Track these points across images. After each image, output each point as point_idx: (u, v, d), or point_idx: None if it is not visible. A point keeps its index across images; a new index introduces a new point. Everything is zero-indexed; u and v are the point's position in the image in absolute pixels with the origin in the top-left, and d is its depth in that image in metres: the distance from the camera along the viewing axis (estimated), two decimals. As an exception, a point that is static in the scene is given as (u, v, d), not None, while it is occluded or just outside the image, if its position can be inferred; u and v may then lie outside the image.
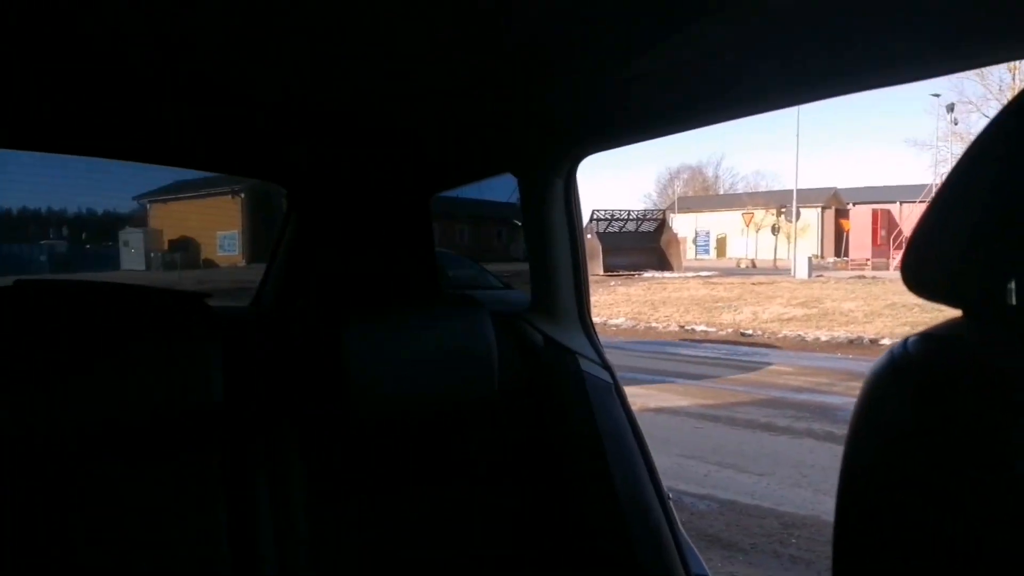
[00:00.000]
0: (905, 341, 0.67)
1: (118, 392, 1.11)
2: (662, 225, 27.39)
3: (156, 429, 1.16)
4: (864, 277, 21.18)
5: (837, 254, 33.78)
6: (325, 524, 1.25)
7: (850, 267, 27.14)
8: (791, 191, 31.10)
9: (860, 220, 29.91)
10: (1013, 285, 0.66)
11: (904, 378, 0.66)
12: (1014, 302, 0.66)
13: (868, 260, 27.06)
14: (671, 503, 1.43)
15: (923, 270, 0.70)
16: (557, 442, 1.43)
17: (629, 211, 27.30)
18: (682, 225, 36.79)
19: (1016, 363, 0.62)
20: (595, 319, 1.57)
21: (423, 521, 1.35)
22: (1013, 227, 0.64)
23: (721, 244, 39.83)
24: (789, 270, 24.29)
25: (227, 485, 1.19)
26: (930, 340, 0.67)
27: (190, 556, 1.15)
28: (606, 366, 1.50)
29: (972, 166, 0.66)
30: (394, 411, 1.31)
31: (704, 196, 48.81)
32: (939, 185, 0.71)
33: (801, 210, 31.43)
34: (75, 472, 1.11)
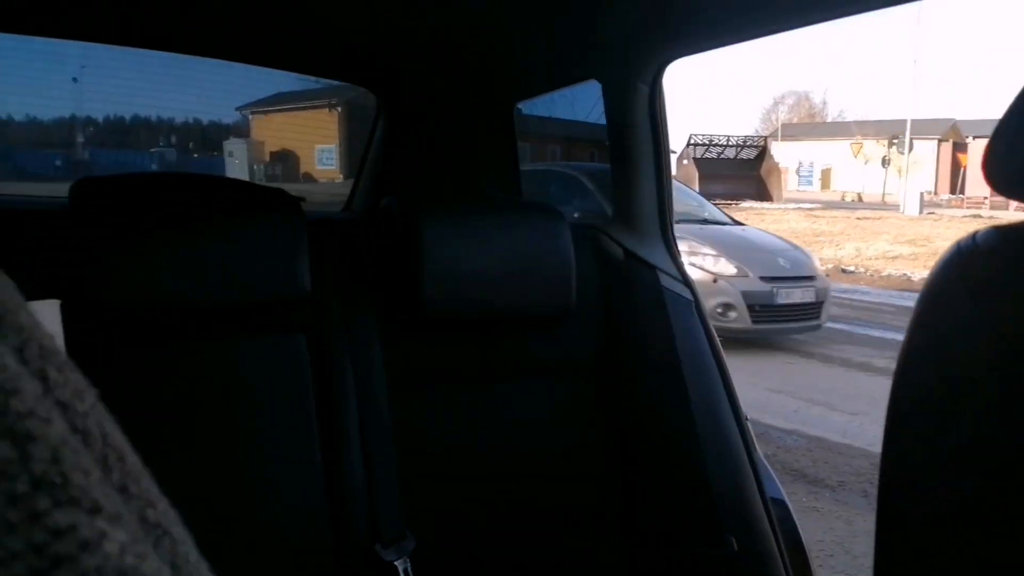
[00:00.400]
0: (975, 234, 0.66)
1: (213, 275, 1.16)
2: (763, 153, 26.36)
3: (247, 313, 1.21)
4: (980, 216, 19.97)
5: (953, 191, 31.86)
6: (406, 413, 1.29)
7: (966, 205, 25.61)
8: (904, 121, 29.29)
9: (980, 155, 27.90)
10: None
11: (969, 268, 0.64)
12: None
13: (986, 199, 25.41)
14: (749, 426, 1.41)
15: (1006, 166, 0.67)
16: (633, 357, 1.43)
17: (728, 136, 26.34)
18: (784, 154, 35.26)
19: None
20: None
21: (501, 413, 1.38)
22: None
23: (826, 176, 38.05)
24: (898, 206, 23.11)
25: (315, 368, 1.24)
26: (1000, 233, 0.66)
27: (281, 431, 1.20)
28: (687, 283, 1.47)
29: None
30: (469, 313, 1.32)
31: (809, 124, 46.55)
32: None
33: (915, 142, 29.62)
34: (171, 345, 1.17)
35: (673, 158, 1.70)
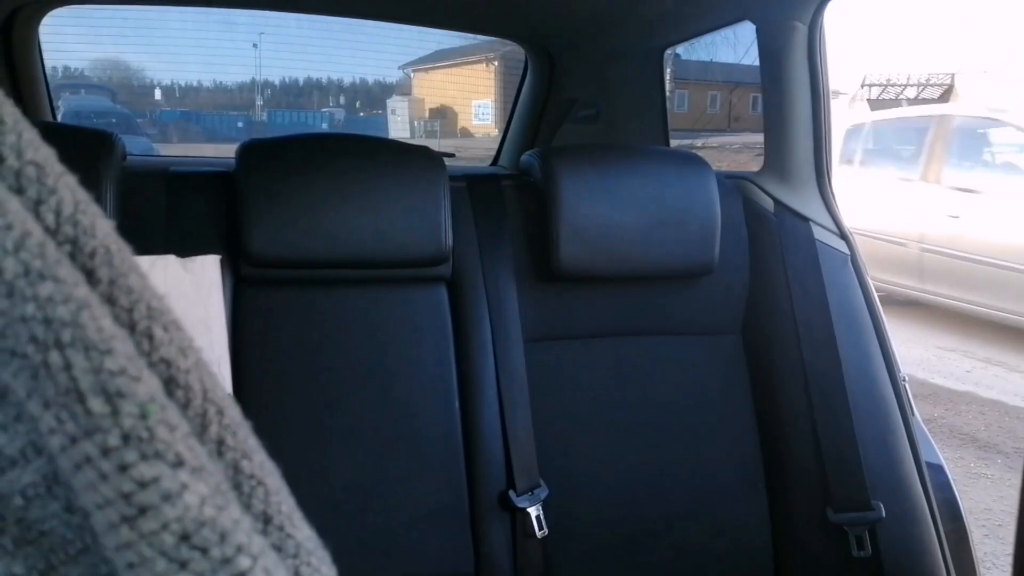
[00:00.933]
0: None
1: (361, 232, 1.23)
2: (948, 92, 24.07)
3: (391, 266, 1.27)
4: None
5: None
6: (541, 366, 1.31)
7: None
8: None
9: None
10: None
11: None
12: None
13: None
14: (906, 387, 1.35)
15: None
16: (781, 315, 1.37)
17: (908, 75, 24.22)
18: (980, 93, 31.83)
19: None
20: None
21: (639, 370, 1.36)
22: None
23: None
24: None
25: (455, 319, 1.29)
26: None
27: (421, 379, 1.26)
28: (844, 235, 1.40)
29: None
30: (605, 271, 1.31)
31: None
32: None
33: None
34: (318, 296, 1.26)
35: (844, 100, 1.61)
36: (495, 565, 1.22)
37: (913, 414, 1.34)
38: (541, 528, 1.22)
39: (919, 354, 4.62)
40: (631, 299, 1.37)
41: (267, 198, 1.20)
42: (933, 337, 5.07)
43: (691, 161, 1.37)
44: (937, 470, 1.33)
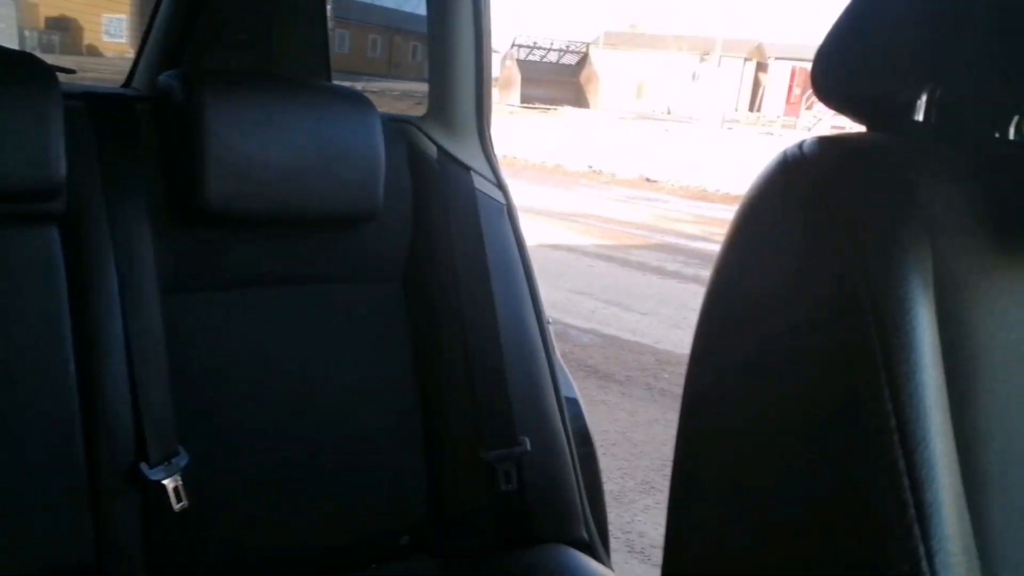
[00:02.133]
0: (801, 143, 0.61)
1: None
2: (584, 60, 26.78)
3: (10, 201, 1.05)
4: (772, 135, 21.60)
5: (751, 108, 34.13)
6: (182, 320, 1.18)
7: (760, 123, 27.51)
8: (715, 38, 30.70)
9: (777, 76, 30.07)
10: (924, 98, 0.61)
11: (795, 179, 0.59)
12: (922, 117, 0.61)
13: (779, 117, 27.49)
14: (550, 330, 1.45)
15: (832, 78, 0.64)
16: (442, 263, 1.38)
17: (552, 41, 26.50)
18: (606, 62, 36.00)
19: (920, 176, 0.58)
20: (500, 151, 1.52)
21: (294, 322, 1.28)
22: (930, 36, 0.60)
23: (641, 87, 39.42)
24: (703, 120, 24.42)
25: (69, 267, 1.10)
26: (830, 142, 0.60)
27: (27, 338, 1.06)
28: (500, 185, 1.45)
29: None
30: (258, 210, 1.20)
31: (632, 34, 47.66)
32: None
33: (723, 59, 31.23)
34: None
35: (497, 58, 1.65)
36: (122, 548, 1.08)
37: (555, 354, 1.44)
38: (180, 500, 1.10)
39: (554, 296, 5.12)
40: (287, 244, 1.27)
41: None
42: (566, 281, 5.66)
43: (355, 100, 1.29)
44: (573, 403, 1.45)
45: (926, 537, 0.49)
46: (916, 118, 0.60)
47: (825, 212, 0.56)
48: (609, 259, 6.71)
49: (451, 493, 1.37)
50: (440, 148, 1.41)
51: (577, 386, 1.55)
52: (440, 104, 1.44)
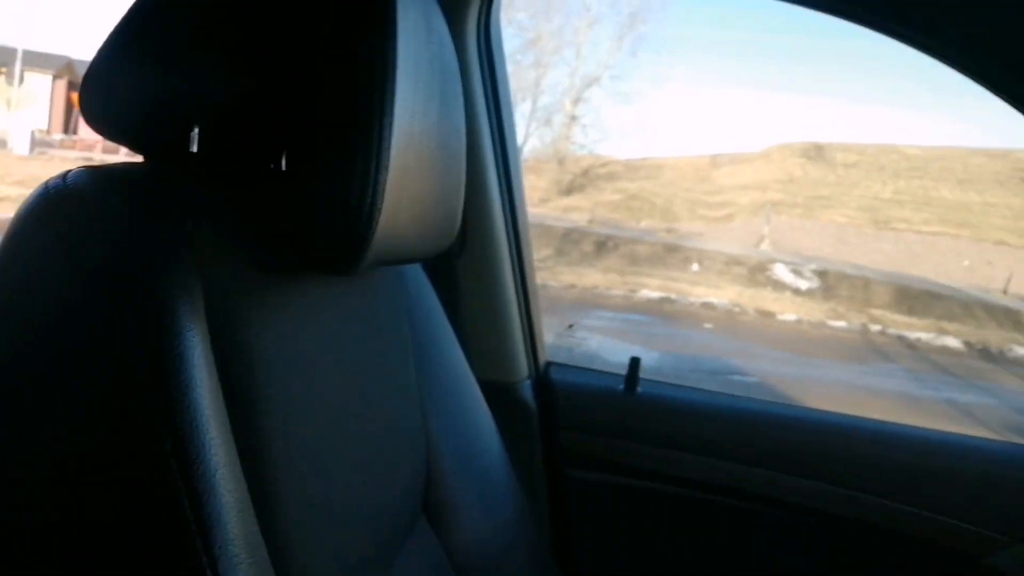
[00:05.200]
0: (66, 174, 0.60)
1: None
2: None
3: None
4: (92, 159, 20.39)
5: (66, 131, 31.49)
6: None
7: (79, 147, 25.66)
8: (15, 50, 27.45)
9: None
10: (197, 132, 0.63)
11: (55, 211, 0.57)
12: (196, 149, 0.63)
13: (99, 141, 26.02)
14: None
15: (100, 103, 0.63)
16: None
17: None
18: None
19: (192, 205, 0.59)
20: None
21: None
22: (199, 71, 0.61)
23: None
24: (5, 142, 21.62)
25: None
26: (97, 173, 0.60)
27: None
28: None
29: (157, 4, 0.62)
30: None
31: None
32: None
33: (27, 75, 28.07)
34: None
35: None
36: None
37: None
38: None
39: None
40: None
41: None
42: None
43: None
44: None
45: (208, 547, 0.51)
46: (191, 149, 0.63)
47: (89, 245, 0.55)
48: None
49: None
50: None
51: None
52: None
